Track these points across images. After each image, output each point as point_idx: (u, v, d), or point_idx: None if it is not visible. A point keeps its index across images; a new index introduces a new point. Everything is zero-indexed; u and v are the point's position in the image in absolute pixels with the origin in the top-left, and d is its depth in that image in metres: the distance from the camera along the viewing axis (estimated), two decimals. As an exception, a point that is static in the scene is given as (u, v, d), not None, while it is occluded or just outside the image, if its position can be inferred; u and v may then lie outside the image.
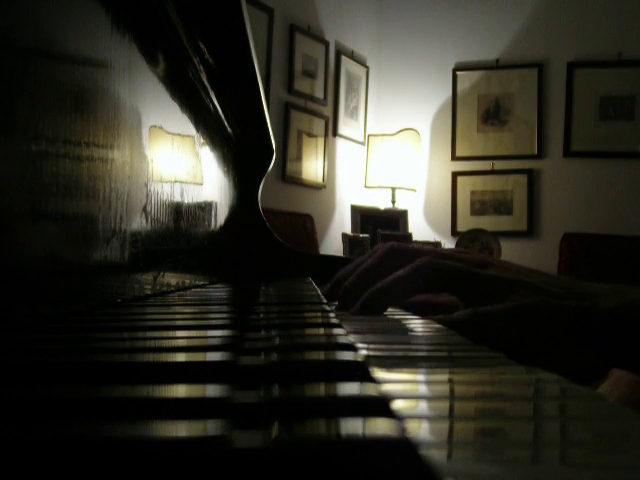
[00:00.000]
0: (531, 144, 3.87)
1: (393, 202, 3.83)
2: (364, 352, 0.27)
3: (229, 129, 1.12)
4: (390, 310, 0.51)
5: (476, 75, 3.98)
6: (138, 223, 0.57)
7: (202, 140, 0.88)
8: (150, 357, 0.24)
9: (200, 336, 0.33)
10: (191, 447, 0.13)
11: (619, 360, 0.43)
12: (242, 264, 1.25)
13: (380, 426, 0.15)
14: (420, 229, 3.92)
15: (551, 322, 0.42)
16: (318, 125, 3.64)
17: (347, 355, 0.24)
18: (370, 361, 0.24)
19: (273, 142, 1.28)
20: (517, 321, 0.42)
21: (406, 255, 0.50)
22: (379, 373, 0.22)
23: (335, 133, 3.78)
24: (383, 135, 3.87)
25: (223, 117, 1.04)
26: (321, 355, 0.25)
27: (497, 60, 3.94)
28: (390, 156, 3.78)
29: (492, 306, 0.43)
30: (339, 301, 0.53)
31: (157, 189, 0.63)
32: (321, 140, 3.65)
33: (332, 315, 0.41)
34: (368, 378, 0.21)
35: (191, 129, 0.82)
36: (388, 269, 0.49)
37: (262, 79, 1.06)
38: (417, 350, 0.31)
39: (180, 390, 0.18)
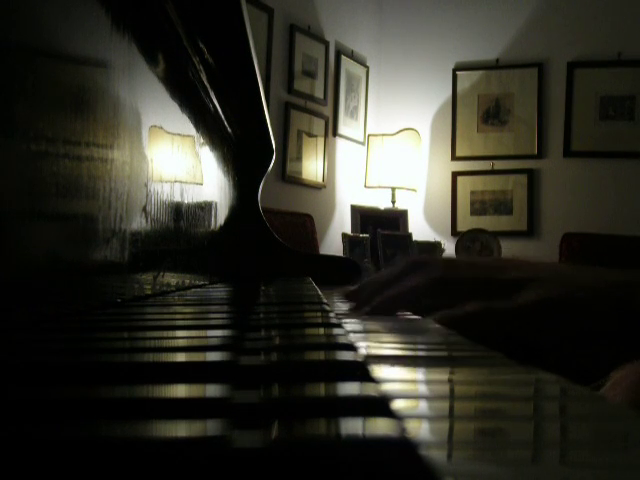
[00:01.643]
0: (531, 144, 3.87)
1: (393, 202, 3.83)
2: (364, 352, 0.27)
3: (229, 129, 1.12)
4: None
5: (476, 75, 3.98)
6: (138, 223, 0.57)
7: (202, 140, 0.88)
8: (150, 357, 0.24)
9: (200, 336, 0.33)
10: (191, 447, 0.13)
11: None
12: (242, 264, 1.25)
13: (380, 426, 0.15)
14: (420, 229, 3.92)
15: (581, 316, 0.41)
16: (318, 125, 3.64)
17: (347, 355, 0.24)
18: (370, 361, 0.24)
19: (273, 142, 1.28)
20: (535, 316, 0.41)
21: (427, 268, 0.50)
22: (379, 373, 0.22)
23: (335, 133, 3.78)
24: (383, 135, 3.86)
25: (223, 117, 1.04)
26: (321, 355, 0.25)
27: (497, 60, 3.94)
28: (390, 156, 3.78)
29: (508, 301, 0.42)
30: (355, 306, 0.53)
31: (157, 189, 0.63)
32: (321, 140, 3.65)
33: (332, 315, 0.41)
34: (368, 378, 0.21)
35: (191, 129, 0.82)
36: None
37: (262, 79, 1.06)
38: (417, 350, 0.31)
39: (180, 390, 0.18)
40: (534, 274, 0.45)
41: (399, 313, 0.50)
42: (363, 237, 3.50)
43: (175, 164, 0.73)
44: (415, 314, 0.53)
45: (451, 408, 0.19)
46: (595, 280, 0.43)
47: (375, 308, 0.48)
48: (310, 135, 3.58)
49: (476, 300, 0.46)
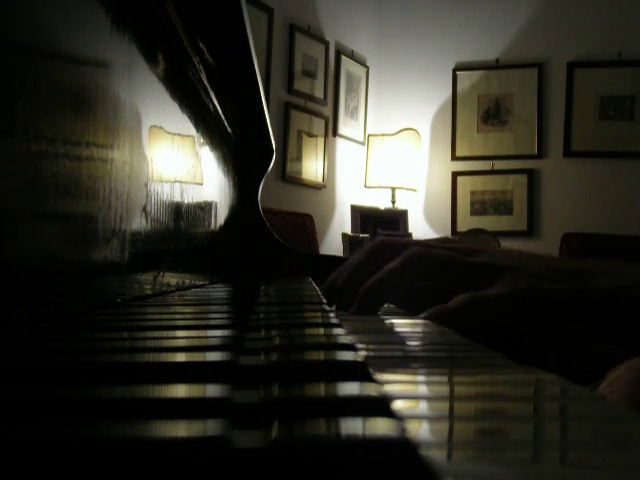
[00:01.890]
0: (531, 144, 3.87)
1: (393, 202, 3.83)
2: (364, 352, 0.27)
3: (229, 129, 1.12)
4: (390, 310, 0.51)
5: (476, 75, 3.98)
6: (138, 223, 0.57)
7: (202, 140, 0.88)
8: (150, 357, 0.24)
9: (200, 336, 0.33)
10: (191, 447, 0.13)
11: (616, 342, 0.43)
12: (242, 264, 1.25)
13: (380, 426, 0.15)
14: (420, 229, 3.92)
15: (543, 307, 0.42)
16: (318, 125, 3.64)
17: (347, 355, 0.24)
18: (370, 361, 0.24)
19: (273, 142, 1.28)
20: (509, 307, 0.42)
21: (394, 248, 0.50)
22: (379, 373, 0.22)
23: (335, 133, 3.78)
24: (383, 135, 3.86)
25: (223, 117, 1.04)
26: (321, 355, 0.25)
27: (497, 60, 3.94)
28: (390, 156, 3.78)
29: (488, 291, 0.43)
30: (335, 301, 0.53)
31: (157, 189, 0.63)
32: (321, 140, 3.65)
33: (332, 315, 0.41)
34: (368, 378, 0.21)
35: (191, 129, 0.82)
36: (378, 265, 0.49)
37: (262, 79, 1.06)
38: (417, 350, 0.31)
39: (180, 390, 0.18)
40: (504, 261, 0.46)
41: (389, 309, 0.51)
42: (363, 237, 3.50)
43: (175, 164, 0.73)
44: (399, 304, 0.53)
45: (451, 408, 0.19)
46: (554, 270, 0.44)
47: (361, 304, 0.47)
48: (310, 135, 3.58)
49: (450, 279, 0.46)
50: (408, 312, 0.50)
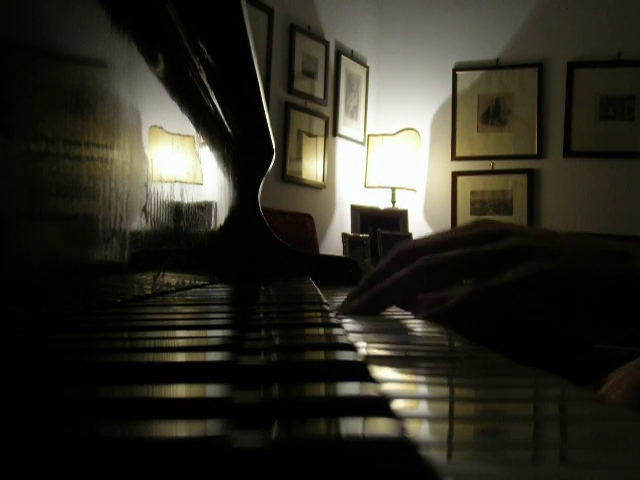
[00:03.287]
0: (531, 144, 3.87)
1: (393, 202, 3.83)
2: (364, 352, 0.27)
3: (229, 129, 1.12)
4: (390, 310, 0.51)
5: (476, 75, 3.98)
6: (138, 223, 0.57)
7: (202, 140, 0.88)
8: (150, 357, 0.24)
9: (200, 336, 0.33)
10: (191, 447, 0.13)
11: None
12: (242, 264, 1.25)
13: (380, 426, 0.15)
14: (420, 229, 3.91)
15: (581, 288, 0.39)
16: (318, 125, 3.64)
17: (347, 355, 0.24)
18: (370, 361, 0.24)
19: (273, 142, 1.28)
20: (533, 291, 0.40)
21: (413, 253, 0.49)
22: (379, 373, 0.22)
23: (335, 133, 3.78)
24: (383, 135, 3.86)
25: (223, 117, 1.04)
26: (321, 355, 0.25)
27: (497, 60, 3.93)
28: (390, 156, 3.78)
29: (503, 277, 0.41)
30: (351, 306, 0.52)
31: (157, 189, 0.63)
32: (321, 140, 3.65)
33: (332, 315, 0.41)
34: (368, 378, 0.21)
35: (191, 129, 0.82)
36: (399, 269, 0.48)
37: (262, 79, 1.06)
38: (417, 350, 0.31)
39: (180, 390, 0.18)
40: (533, 241, 0.43)
41: (391, 310, 0.50)
42: (363, 237, 3.50)
43: (175, 164, 0.73)
44: (403, 307, 0.52)
45: (451, 408, 0.19)
46: (594, 249, 0.42)
47: (364, 305, 0.47)
48: (310, 135, 3.58)
49: (464, 279, 0.45)
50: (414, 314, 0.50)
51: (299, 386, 0.19)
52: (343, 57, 3.81)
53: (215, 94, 0.94)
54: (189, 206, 0.80)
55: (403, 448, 0.14)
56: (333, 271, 1.25)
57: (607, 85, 3.76)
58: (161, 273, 0.66)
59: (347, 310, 0.48)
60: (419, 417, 0.17)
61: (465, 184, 3.97)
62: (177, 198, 0.73)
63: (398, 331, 0.40)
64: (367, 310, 0.47)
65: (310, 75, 3.58)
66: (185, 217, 0.78)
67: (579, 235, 0.46)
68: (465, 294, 0.43)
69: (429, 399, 0.20)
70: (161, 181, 0.65)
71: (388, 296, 0.47)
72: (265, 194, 1.36)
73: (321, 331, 0.36)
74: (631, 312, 0.39)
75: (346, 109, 3.86)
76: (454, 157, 4.00)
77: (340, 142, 3.83)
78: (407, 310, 0.52)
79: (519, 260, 0.42)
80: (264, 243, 1.28)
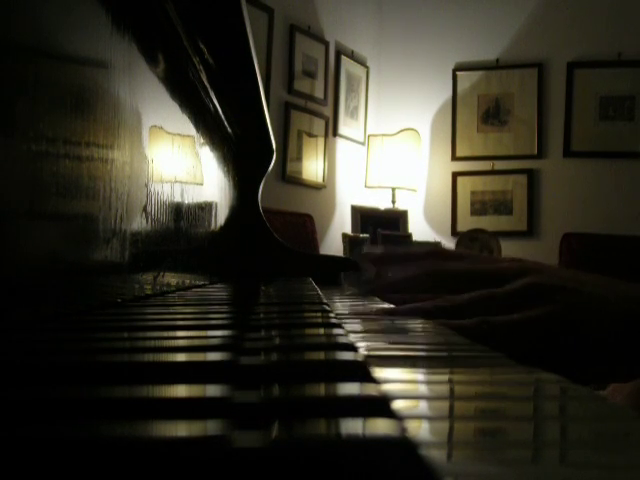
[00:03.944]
0: (531, 144, 3.87)
1: (393, 202, 3.83)
2: (364, 352, 0.27)
3: (229, 129, 1.12)
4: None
5: (476, 75, 3.98)
6: (138, 223, 0.57)
7: (202, 140, 0.88)
8: (150, 357, 0.24)
9: (200, 336, 0.33)
10: (191, 447, 0.13)
11: None
12: (242, 264, 1.25)
13: (380, 426, 0.15)
14: (420, 229, 3.92)
15: (599, 329, 0.40)
16: (318, 125, 3.64)
17: (347, 355, 0.24)
18: (370, 361, 0.24)
19: (273, 142, 1.28)
20: (552, 329, 0.40)
21: (448, 258, 0.52)
22: (379, 373, 0.22)
23: (335, 133, 3.78)
24: (383, 135, 3.86)
25: (223, 117, 1.04)
26: (321, 355, 0.25)
27: (497, 60, 3.94)
28: (390, 156, 3.78)
29: (513, 315, 0.41)
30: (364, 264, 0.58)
31: (157, 189, 0.63)
32: (321, 140, 3.65)
33: (332, 315, 0.41)
34: (368, 378, 0.21)
35: (191, 129, 0.82)
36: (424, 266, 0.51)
37: (262, 79, 1.06)
38: (417, 350, 0.31)
39: (180, 390, 0.18)
40: (555, 281, 0.44)
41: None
42: (363, 237, 3.50)
43: (175, 164, 0.73)
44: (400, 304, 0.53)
45: (451, 408, 0.19)
46: (615, 290, 0.43)
47: (371, 291, 0.52)
48: (310, 135, 3.58)
49: (469, 290, 0.46)
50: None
51: (299, 386, 0.19)
52: (343, 57, 3.81)
53: (215, 94, 0.94)
54: (189, 206, 0.80)
55: (403, 448, 0.14)
56: (333, 271, 1.25)
57: (607, 85, 3.76)
58: (161, 273, 0.66)
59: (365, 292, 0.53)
60: (419, 417, 0.17)
61: (465, 184, 3.97)
62: (177, 198, 0.73)
63: (397, 331, 0.40)
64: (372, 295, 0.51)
65: (310, 75, 3.58)
66: (185, 217, 0.78)
67: (604, 278, 0.46)
68: (475, 323, 0.42)
69: (429, 398, 0.20)
70: (161, 181, 0.65)
71: (401, 316, 0.48)
72: (265, 194, 1.36)
73: (321, 331, 0.36)
74: None
75: (346, 109, 3.86)
76: (454, 157, 4.00)
77: (340, 142, 3.83)
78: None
79: (535, 299, 0.43)
80: (264, 243, 1.28)
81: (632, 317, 0.40)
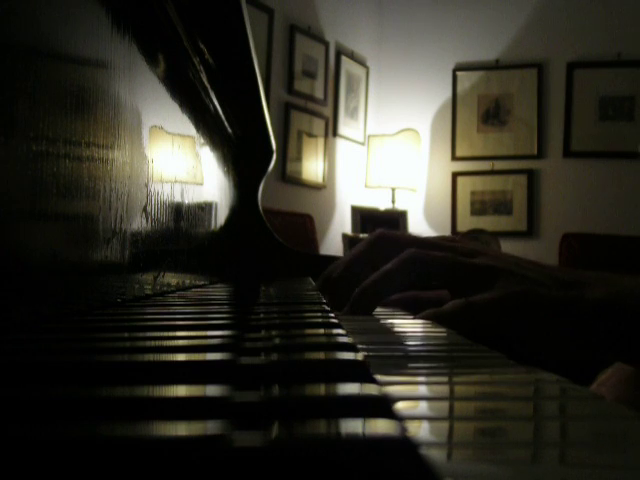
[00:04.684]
0: (531, 144, 3.87)
1: (393, 202, 3.83)
2: (364, 352, 0.27)
3: (229, 129, 1.12)
4: (388, 310, 0.51)
5: (476, 75, 3.98)
6: (138, 223, 0.57)
7: (202, 140, 0.88)
8: (150, 357, 0.24)
9: (200, 336, 0.33)
10: (191, 447, 0.13)
11: (609, 350, 0.43)
12: (242, 264, 1.25)
13: (380, 426, 0.15)
14: (420, 229, 3.92)
15: (537, 312, 0.42)
16: (318, 125, 3.64)
17: (347, 355, 0.24)
18: (370, 361, 0.24)
19: (273, 142, 1.28)
20: (504, 310, 0.42)
21: (393, 242, 0.50)
22: (379, 373, 0.22)
23: (335, 133, 3.78)
24: (383, 135, 3.87)
25: (223, 117, 1.04)
26: (321, 355, 0.25)
27: (497, 60, 3.94)
28: (390, 156, 3.78)
29: (482, 295, 0.43)
30: (329, 294, 0.53)
31: (157, 189, 0.63)
32: (321, 140, 3.65)
33: (332, 315, 0.41)
34: (368, 378, 0.21)
35: (191, 129, 0.82)
36: (376, 257, 0.49)
37: (262, 79, 1.06)
38: (417, 350, 0.31)
39: (180, 390, 0.18)
40: (503, 264, 0.46)
41: (388, 310, 0.51)
42: (363, 237, 3.50)
43: (175, 164, 0.73)
44: (393, 305, 0.53)
45: (451, 408, 0.19)
46: (550, 277, 0.44)
47: (355, 304, 0.47)
48: (310, 135, 3.58)
49: (446, 280, 0.46)
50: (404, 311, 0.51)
51: (299, 386, 0.19)
52: (343, 57, 3.82)
53: (215, 94, 0.94)
54: (189, 206, 0.80)
55: (403, 448, 0.14)
56: (333, 271, 1.24)
57: (607, 85, 3.76)
58: (161, 273, 0.66)
59: (338, 301, 0.49)
60: (419, 417, 0.17)
61: (465, 184, 3.98)
62: (177, 198, 0.73)
63: (397, 331, 0.40)
64: (360, 310, 0.47)
65: (310, 75, 3.58)
66: (185, 217, 0.78)
67: (540, 264, 0.48)
68: (458, 302, 0.43)
69: (429, 399, 0.20)
70: (161, 181, 0.65)
71: (378, 293, 0.47)
72: (265, 194, 1.36)
73: (321, 331, 0.36)
74: (583, 336, 0.41)
75: (346, 109, 3.86)
76: (454, 157, 4.00)
77: (340, 142, 3.83)
78: (394, 307, 0.53)
79: (489, 280, 0.44)
80: (264, 243, 1.28)
81: (564, 300, 0.42)
